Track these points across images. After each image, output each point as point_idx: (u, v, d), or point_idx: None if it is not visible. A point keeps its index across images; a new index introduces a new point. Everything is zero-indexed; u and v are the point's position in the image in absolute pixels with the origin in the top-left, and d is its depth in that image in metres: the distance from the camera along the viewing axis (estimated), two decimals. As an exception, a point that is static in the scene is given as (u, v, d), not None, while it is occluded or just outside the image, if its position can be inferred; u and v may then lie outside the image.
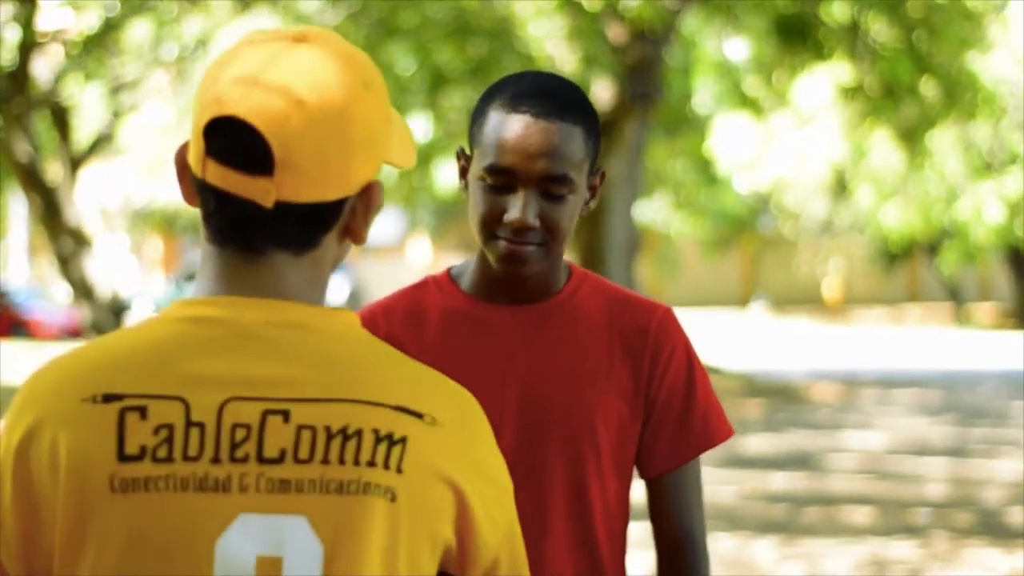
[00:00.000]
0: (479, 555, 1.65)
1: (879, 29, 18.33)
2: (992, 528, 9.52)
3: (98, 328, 13.96)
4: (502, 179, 2.35)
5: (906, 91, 18.49)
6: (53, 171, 14.41)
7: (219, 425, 1.57)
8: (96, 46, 14.29)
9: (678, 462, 2.51)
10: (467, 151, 2.45)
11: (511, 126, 2.35)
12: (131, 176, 32.32)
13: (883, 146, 23.26)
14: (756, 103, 23.84)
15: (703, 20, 21.24)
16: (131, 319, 14.90)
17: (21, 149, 13.56)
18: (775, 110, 24.25)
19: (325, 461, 1.56)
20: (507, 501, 1.69)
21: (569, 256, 24.12)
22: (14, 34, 13.40)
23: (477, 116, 2.42)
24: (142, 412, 1.57)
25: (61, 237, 13.92)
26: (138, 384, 1.58)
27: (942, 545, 8.92)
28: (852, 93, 19.81)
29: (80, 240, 14.00)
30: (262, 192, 1.59)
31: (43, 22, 14.18)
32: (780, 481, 11.54)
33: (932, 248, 33.94)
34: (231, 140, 1.60)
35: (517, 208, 2.34)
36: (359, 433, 1.58)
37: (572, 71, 21.44)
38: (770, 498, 10.77)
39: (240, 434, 1.57)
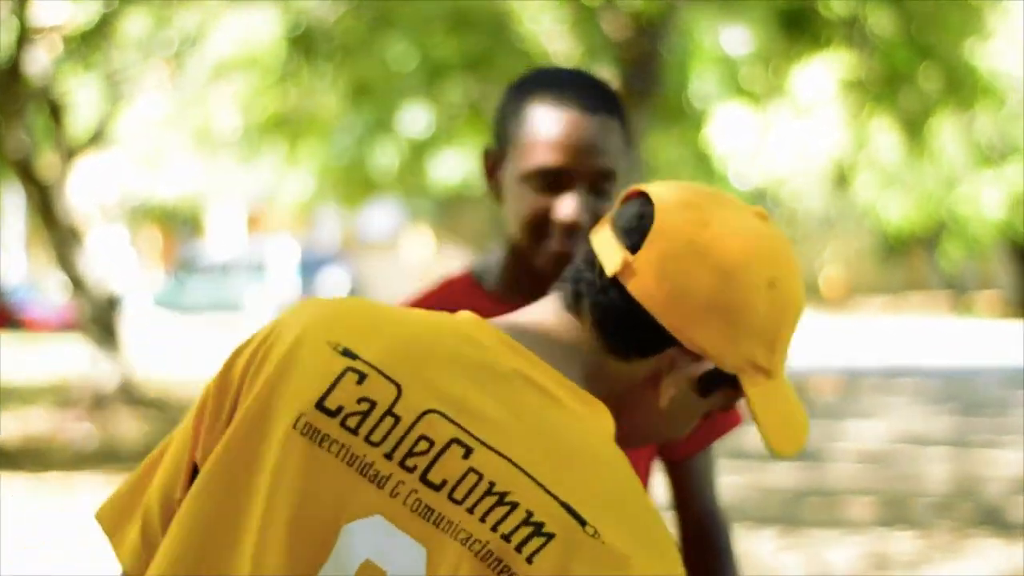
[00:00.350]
0: None
1: (878, 20, 18.28)
2: (993, 520, 9.49)
3: (95, 322, 13.90)
4: (551, 178, 2.28)
5: (905, 81, 18.45)
6: (49, 165, 14.37)
7: (411, 428, 1.56)
8: (92, 39, 14.26)
9: (703, 444, 2.54)
10: (495, 150, 2.38)
11: (558, 122, 2.27)
12: (129, 170, 32.28)
13: (882, 137, 23.22)
14: (754, 94, 23.82)
15: (701, 11, 21.21)
16: (124, 313, 14.86)
17: (17, 143, 13.52)
18: (774, 101, 24.20)
19: (470, 511, 1.53)
20: None
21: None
22: (9, 27, 13.36)
23: (510, 114, 2.34)
24: (361, 378, 1.58)
25: (56, 231, 13.87)
26: (376, 354, 1.60)
27: (943, 537, 8.89)
28: (851, 83, 19.77)
29: (75, 234, 13.96)
30: (612, 256, 1.59)
31: (38, 15, 14.14)
32: (779, 473, 11.51)
33: (932, 240, 33.93)
34: (629, 209, 1.63)
35: (571, 208, 2.28)
36: (514, 505, 1.52)
37: (570, 64, 21.41)
38: (769, 490, 10.74)
39: (422, 446, 1.56)
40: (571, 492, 1.53)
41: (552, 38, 21.10)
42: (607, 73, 20.24)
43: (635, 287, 1.57)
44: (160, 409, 14.11)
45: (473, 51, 20.02)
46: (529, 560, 1.51)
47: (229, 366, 1.66)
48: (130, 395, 13.94)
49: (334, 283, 29.93)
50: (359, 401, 1.57)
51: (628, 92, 19.90)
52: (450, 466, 1.54)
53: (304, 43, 18.06)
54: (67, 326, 26.46)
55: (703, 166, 31.04)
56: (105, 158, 29.97)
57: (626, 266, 1.58)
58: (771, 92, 23.41)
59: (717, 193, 1.64)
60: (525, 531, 1.52)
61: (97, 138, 15.31)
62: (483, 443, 1.55)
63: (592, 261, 1.62)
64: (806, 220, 37.29)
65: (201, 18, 16.21)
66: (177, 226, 41.09)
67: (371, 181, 25.23)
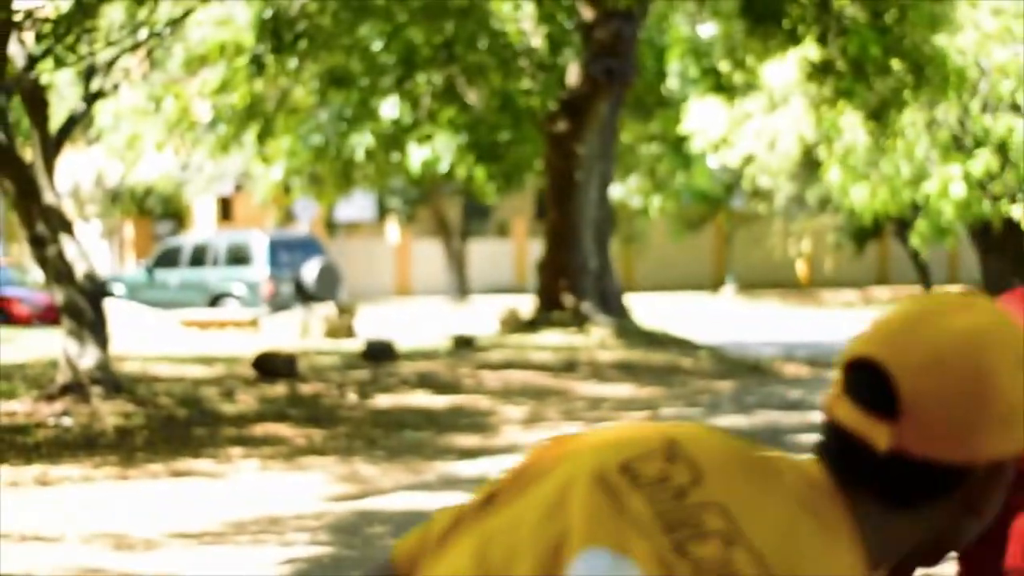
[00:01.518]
0: None
1: (849, 9, 18.42)
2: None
3: (76, 311, 13.89)
4: None
5: (876, 70, 18.58)
6: (28, 154, 14.38)
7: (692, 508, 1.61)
8: (71, 26, 14.26)
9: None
10: None
11: None
12: (103, 159, 32.28)
13: (852, 124, 23.37)
14: (728, 84, 23.93)
15: (672, 3, 21.36)
16: (107, 301, 14.88)
17: (-5, 131, 13.52)
18: (747, 90, 24.32)
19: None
20: None
21: (543, 235, 23.88)
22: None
23: None
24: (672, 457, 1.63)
25: (37, 221, 13.85)
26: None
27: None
28: (822, 72, 19.89)
29: (58, 223, 13.94)
30: (878, 435, 1.62)
31: (18, 2, 14.14)
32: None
33: (902, 228, 34.08)
34: (862, 380, 1.65)
35: None
36: None
37: (543, 50, 21.50)
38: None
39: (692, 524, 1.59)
40: None
41: (526, 24, 21.14)
42: (580, 58, 20.31)
43: (911, 447, 1.60)
44: (138, 398, 14.16)
45: (446, 37, 20.03)
46: None
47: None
48: (109, 384, 13.97)
49: (309, 270, 29.96)
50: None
51: (602, 77, 20.01)
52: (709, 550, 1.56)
53: (276, 30, 18.09)
54: (49, 314, 26.46)
55: (679, 153, 31.22)
56: (81, 147, 29.96)
57: (897, 437, 1.60)
58: (744, 81, 23.53)
59: (928, 308, 1.66)
60: None
61: (76, 126, 15.32)
62: (747, 545, 1.56)
63: (844, 438, 1.66)
64: (779, 208, 37.43)
65: (176, 7, 16.23)
66: (151, 215, 41.05)
67: (346, 169, 25.26)
